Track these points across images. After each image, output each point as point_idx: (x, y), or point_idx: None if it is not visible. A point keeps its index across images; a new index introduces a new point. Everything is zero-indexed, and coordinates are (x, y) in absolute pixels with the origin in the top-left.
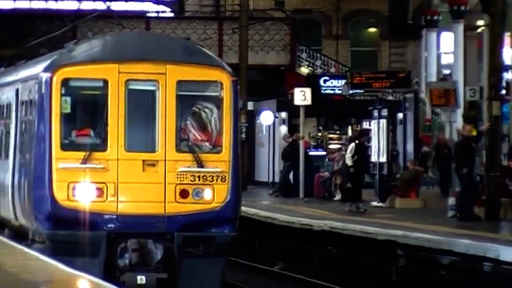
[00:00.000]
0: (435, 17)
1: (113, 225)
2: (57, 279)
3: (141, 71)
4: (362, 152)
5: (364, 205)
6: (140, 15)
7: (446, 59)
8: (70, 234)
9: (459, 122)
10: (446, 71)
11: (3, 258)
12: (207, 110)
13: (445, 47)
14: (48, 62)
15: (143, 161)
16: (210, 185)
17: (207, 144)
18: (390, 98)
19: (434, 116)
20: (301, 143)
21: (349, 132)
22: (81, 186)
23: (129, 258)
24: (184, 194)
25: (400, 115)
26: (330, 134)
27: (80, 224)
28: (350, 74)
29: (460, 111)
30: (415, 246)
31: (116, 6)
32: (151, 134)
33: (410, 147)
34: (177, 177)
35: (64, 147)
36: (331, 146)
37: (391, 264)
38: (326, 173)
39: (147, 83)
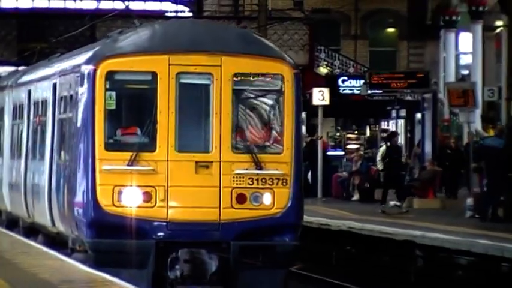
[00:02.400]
0: (454, 18)
1: (162, 234)
2: (75, 279)
3: (193, 63)
4: (395, 153)
5: (386, 206)
6: (159, 15)
7: (465, 60)
8: (115, 243)
9: (477, 123)
10: (465, 72)
11: (21, 257)
12: (266, 106)
13: (464, 47)
14: (91, 53)
15: (196, 162)
16: (269, 188)
17: (266, 143)
18: (408, 98)
19: (453, 117)
20: (319, 143)
21: (368, 132)
22: (128, 190)
23: (180, 270)
24: (241, 198)
25: (419, 115)
26: (348, 134)
27: (126, 232)
28: (368, 74)
29: (478, 112)
30: (433, 247)
31: (134, 6)
32: (205, 133)
33: (428, 147)
34: (234, 180)
35: (108, 147)
36: (349, 146)
37: (409, 264)
38: (344, 173)
39: (200, 76)
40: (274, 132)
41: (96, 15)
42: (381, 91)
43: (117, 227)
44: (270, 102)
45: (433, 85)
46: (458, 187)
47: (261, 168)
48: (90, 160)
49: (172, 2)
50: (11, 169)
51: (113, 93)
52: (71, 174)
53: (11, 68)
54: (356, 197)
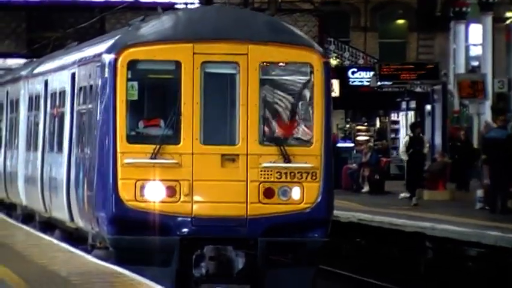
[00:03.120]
0: (463, 9)
1: (187, 230)
2: (85, 271)
3: (219, 52)
4: (418, 144)
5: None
6: (169, 7)
7: (475, 51)
8: (137, 240)
9: (487, 114)
10: (475, 63)
11: (31, 250)
12: (295, 96)
13: (474, 39)
14: (112, 41)
15: (222, 155)
16: (299, 182)
17: (295, 135)
18: (418, 89)
19: (463, 108)
20: None
21: (377, 124)
22: (151, 184)
23: (205, 268)
24: (269, 193)
25: (428, 107)
26: (357, 125)
27: (149, 228)
28: (378, 66)
29: (488, 103)
30: (443, 238)
31: None
32: (231, 125)
33: (438, 139)
34: (261, 174)
35: (131, 139)
36: (359, 138)
37: (419, 256)
38: (354, 165)
39: (226, 66)
40: (303, 124)
41: (106, 7)
42: (390, 83)
43: (139, 223)
44: (299, 92)
45: (442, 77)
46: (469, 179)
47: (289, 161)
48: (111, 153)
49: None
50: (26, 162)
51: (135, 84)
52: (91, 168)
53: (21, 60)
54: (366, 188)
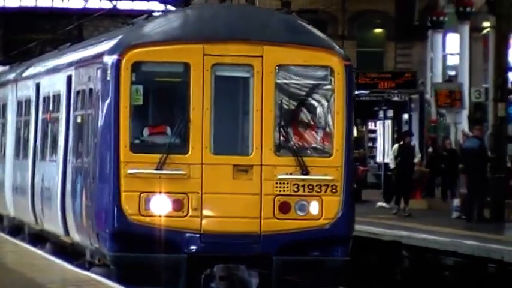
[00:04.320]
0: (441, 18)
1: (195, 247)
2: (63, 278)
3: (231, 53)
4: (408, 152)
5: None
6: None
7: (452, 60)
8: (141, 258)
9: (464, 124)
10: (452, 72)
11: (10, 256)
12: (314, 102)
13: (451, 48)
14: (115, 41)
15: (234, 166)
16: (317, 196)
17: (313, 145)
18: (396, 99)
19: (440, 117)
20: None
21: (354, 133)
22: (156, 197)
23: None
24: (285, 207)
25: (406, 116)
26: None
27: (155, 244)
28: (356, 75)
29: (465, 113)
30: (420, 247)
31: (122, 5)
32: (244, 133)
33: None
34: (276, 187)
35: (134, 148)
36: None
37: (396, 265)
38: None
39: (239, 68)
40: (322, 133)
41: (84, 14)
42: (368, 91)
43: (143, 239)
44: (318, 97)
45: (420, 86)
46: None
47: (307, 173)
48: (113, 163)
49: (160, 2)
50: (15, 170)
51: (140, 87)
52: (91, 179)
53: None
54: None
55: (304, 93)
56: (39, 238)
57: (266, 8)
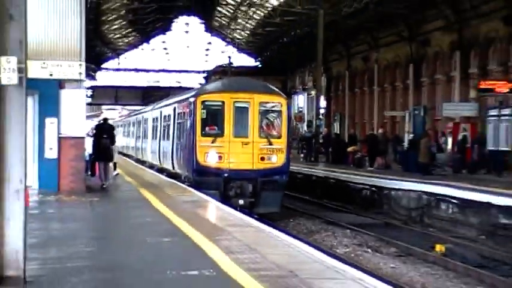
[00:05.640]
0: (297, 90)
1: (226, 174)
2: (194, 200)
3: (241, 97)
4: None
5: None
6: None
7: (300, 105)
8: (205, 179)
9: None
10: (300, 109)
11: (168, 189)
12: (274, 116)
13: (300, 102)
14: (193, 92)
15: (242, 142)
16: (275, 154)
17: (274, 133)
18: None
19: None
20: None
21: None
22: (211, 154)
23: (234, 191)
24: (262, 159)
25: None
26: None
27: (210, 174)
28: None
29: (305, 124)
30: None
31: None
32: (246, 129)
33: None
34: (259, 150)
35: (202, 135)
36: None
37: (310, 183)
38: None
39: (244, 103)
40: (277, 128)
41: (171, 88)
42: None
43: (205, 172)
44: (276, 115)
45: None
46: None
47: (271, 144)
48: (194, 140)
49: (205, 78)
50: (152, 144)
51: (204, 111)
52: (184, 148)
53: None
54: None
55: (270, 113)
56: (160, 171)
57: (254, 79)
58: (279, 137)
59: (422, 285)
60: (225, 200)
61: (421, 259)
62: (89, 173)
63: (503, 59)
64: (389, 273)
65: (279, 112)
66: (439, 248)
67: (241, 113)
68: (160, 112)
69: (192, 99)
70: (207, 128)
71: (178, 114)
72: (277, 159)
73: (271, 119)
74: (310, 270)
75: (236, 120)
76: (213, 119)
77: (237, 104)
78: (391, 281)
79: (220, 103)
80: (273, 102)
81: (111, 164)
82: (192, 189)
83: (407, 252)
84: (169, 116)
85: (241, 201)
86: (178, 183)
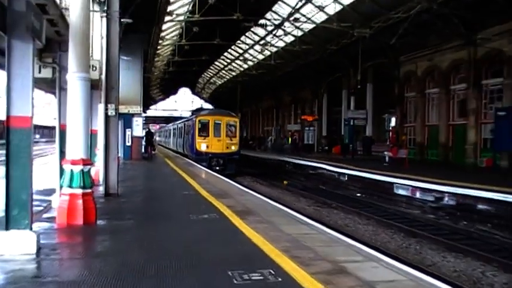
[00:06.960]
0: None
1: (210, 155)
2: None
3: (217, 119)
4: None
5: None
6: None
7: None
8: (200, 157)
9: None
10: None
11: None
12: (232, 129)
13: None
14: (194, 116)
15: (217, 139)
16: (233, 145)
17: (233, 136)
18: None
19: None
20: None
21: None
22: (203, 144)
23: (214, 162)
24: (228, 147)
25: None
26: None
27: (202, 155)
28: None
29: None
30: (282, 161)
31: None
32: (220, 134)
33: None
34: (226, 143)
35: (199, 135)
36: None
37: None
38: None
39: (219, 121)
40: (234, 134)
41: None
42: None
43: (200, 153)
44: (234, 128)
45: None
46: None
47: (231, 140)
48: (194, 137)
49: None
50: (173, 140)
51: (200, 125)
52: (189, 141)
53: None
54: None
55: (231, 127)
56: (176, 152)
57: (224, 110)
58: (235, 137)
59: (277, 197)
60: (209, 167)
61: (277, 186)
62: (143, 151)
63: None
64: (267, 192)
65: (235, 125)
66: (285, 182)
67: (217, 126)
68: (177, 125)
69: (193, 119)
70: (200, 132)
71: (187, 126)
72: (234, 148)
73: (232, 129)
74: (233, 189)
75: (215, 129)
76: (204, 128)
77: (216, 121)
78: (265, 194)
79: (207, 121)
80: (233, 121)
81: (153, 149)
82: (192, 161)
83: (271, 183)
84: (181, 127)
85: (217, 168)
86: (186, 158)
